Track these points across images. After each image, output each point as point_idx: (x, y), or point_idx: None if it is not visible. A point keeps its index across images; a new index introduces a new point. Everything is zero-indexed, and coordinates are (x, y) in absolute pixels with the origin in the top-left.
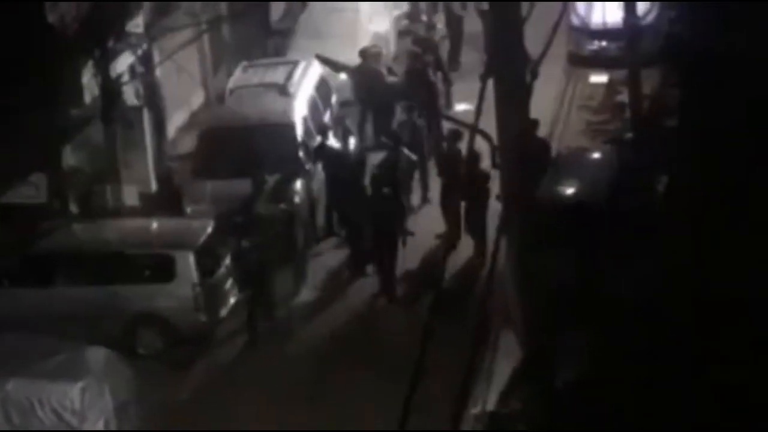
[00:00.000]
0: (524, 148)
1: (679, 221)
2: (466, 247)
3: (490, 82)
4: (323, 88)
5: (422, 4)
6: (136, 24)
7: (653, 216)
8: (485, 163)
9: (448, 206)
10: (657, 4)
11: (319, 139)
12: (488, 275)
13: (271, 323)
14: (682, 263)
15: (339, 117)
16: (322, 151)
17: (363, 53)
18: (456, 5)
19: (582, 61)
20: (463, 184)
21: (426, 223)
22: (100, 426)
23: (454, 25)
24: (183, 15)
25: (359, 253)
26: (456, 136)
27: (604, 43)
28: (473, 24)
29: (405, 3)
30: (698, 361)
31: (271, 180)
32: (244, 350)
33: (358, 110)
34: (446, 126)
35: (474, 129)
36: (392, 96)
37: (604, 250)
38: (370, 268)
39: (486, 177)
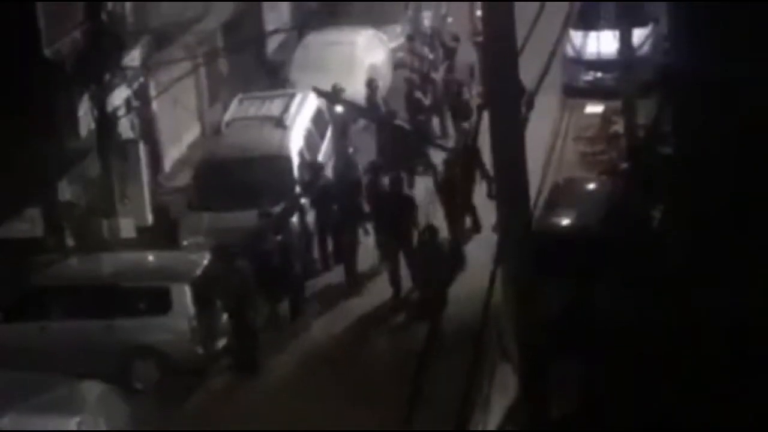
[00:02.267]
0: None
1: (676, 250)
2: (465, 275)
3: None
4: (319, 120)
5: (416, 37)
6: (133, 58)
7: (650, 245)
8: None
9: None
10: (652, 35)
11: (313, 173)
12: (484, 305)
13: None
14: (680, 291)
15: (342, 147)
16: (316, 183)
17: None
18: (449, 38)
19: (577, 92)
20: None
21: None
22: None
23: (448, 58)
24: (179, 48)
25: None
26: (453, 163)
27: (599, 74)
28: (469, 54)
29: (401, 36)
30: (698, 389)
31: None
32: (241, 382)
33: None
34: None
35: (471, 159)
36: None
37: (601, 281)
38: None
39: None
